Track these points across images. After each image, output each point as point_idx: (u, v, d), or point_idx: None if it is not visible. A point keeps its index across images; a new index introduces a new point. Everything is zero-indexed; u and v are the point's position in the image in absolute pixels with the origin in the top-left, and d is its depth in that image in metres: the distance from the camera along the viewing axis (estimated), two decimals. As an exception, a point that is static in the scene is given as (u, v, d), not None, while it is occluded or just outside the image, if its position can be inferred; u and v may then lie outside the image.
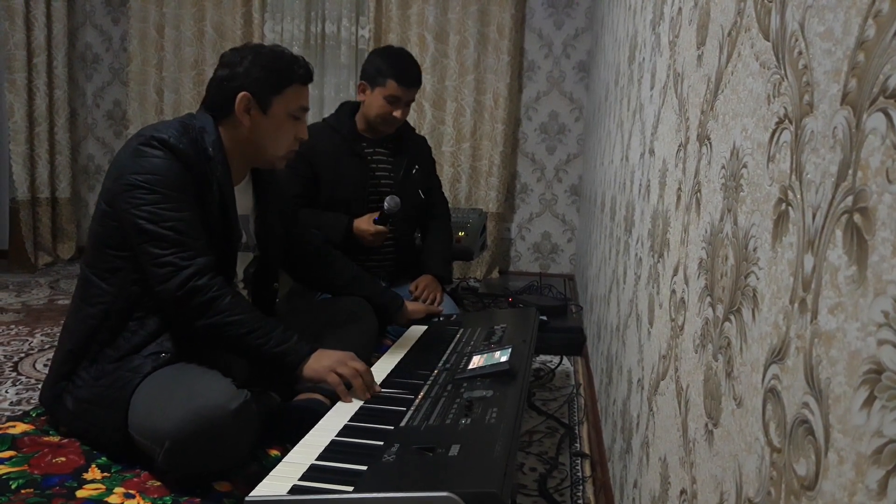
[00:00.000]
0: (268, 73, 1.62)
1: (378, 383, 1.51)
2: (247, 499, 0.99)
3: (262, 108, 1.63)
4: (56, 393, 1.56)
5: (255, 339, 1.50)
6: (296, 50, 4.33)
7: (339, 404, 1.44)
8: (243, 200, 1.74)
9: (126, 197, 1.48)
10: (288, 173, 2.34)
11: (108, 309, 1.53)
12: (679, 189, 1.05)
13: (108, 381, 1.48)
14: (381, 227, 2.31)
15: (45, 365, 2.34)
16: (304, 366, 1.52)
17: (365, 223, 2.32)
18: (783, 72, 0.61)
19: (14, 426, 1.61)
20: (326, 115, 2.67)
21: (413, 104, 4.24)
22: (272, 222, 1.82)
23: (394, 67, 2.34)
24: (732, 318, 0.71)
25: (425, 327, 2.01)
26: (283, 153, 1.70)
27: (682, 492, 0.89)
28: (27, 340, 2.71)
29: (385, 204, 2.29)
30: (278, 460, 1.13)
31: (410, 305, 2.18)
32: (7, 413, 1.97)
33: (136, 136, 1.54)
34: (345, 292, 2.05)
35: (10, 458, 1.46)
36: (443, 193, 2.76)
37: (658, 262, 1.20)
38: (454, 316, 2.17)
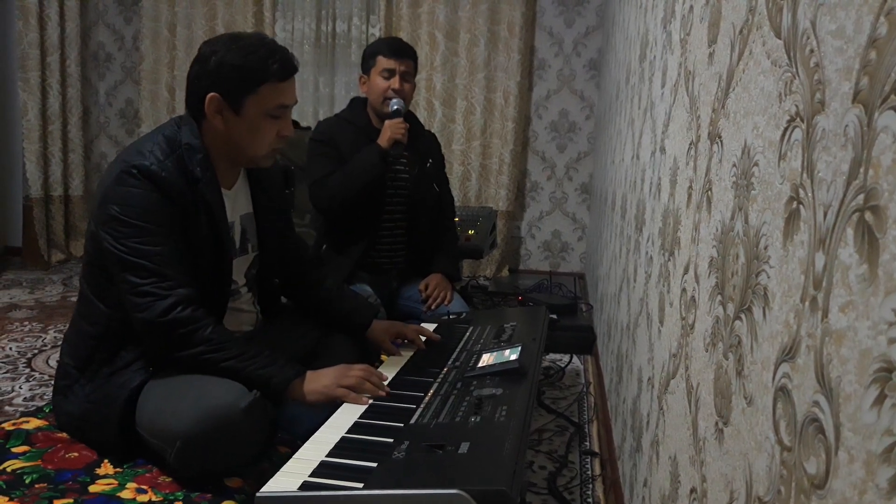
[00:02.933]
0: (238, 72, 1.48)
1: (388, 380, 1.51)
2: (258, 495, 1.00)
3: (234, 108, 1.51)
4: (54, 405, 1.59)
5: (237, 364, 1.43)
6: (306, 49, 4.34)
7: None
8: (241, 202, 1.70)
9: (107, 228, 1.44)
10: (318, 158, 2.37)
11: (106, 330, 1.51)
12: (690, 187, 1.05)
13: (99, 396, 1.48)
14: (397, 119, 2.33)
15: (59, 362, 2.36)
16: (299, 390, 1.45)
17: (386, 126, 2.33)
18: (795, 70, 0.60)
19: (28, 421, 1.63)
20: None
21: (424, 102, 4.28)
22: (269, 219, 1.79)
23: (378, 45, 2.45)
24: (743, 316, 0.71)
25: (435, 325, 2.01)
26: (266, 152, 1.59)
27: (693, 490, 0.89)
28: (40, 337, 2.73)
29: (393, 107, 2.34)
30: (288, 457, 1.14)
31: (382, 334, 1.86)
32: (21, 409, 1.99)
33: (120, 161, 1.48)
34: (335, 296, 1.98)
35: (24, 454, 1.48)
36: (450, 191, 2.77)
37: (669, 260, 1.20)
38: (464, 314, 2.17)
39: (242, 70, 1.49)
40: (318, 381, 1.46)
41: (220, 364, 1.43)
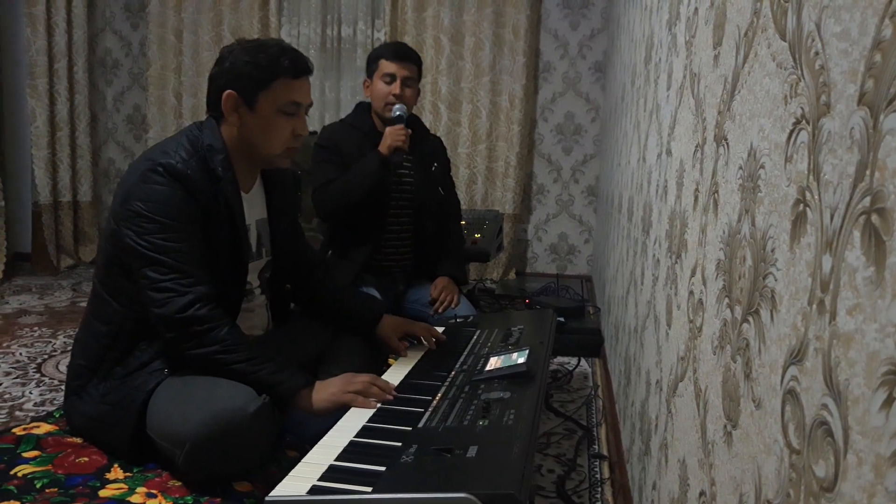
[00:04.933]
0: (251, 69, 1.54)
1: (395, 385, 1.51)
2: (267, 499, 1.00)
3: (249, 105, 1.55)
4: (66, 406, 1.59)
5: (248, 367, 1.44)
6: (311, 53, 4.35)
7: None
8: (257, 206, 1.73)
9: (129, 224, 1.47)
10: (322, 164, 2.38)
11: (119, 329, 1.53)
12: (696, 190, 1.05)
13: (114, 398, 1.49)
14: (398, 125, 2.32)
15: (70, 364, 2.38)
16: (307, 400, 1.46)
17: (386, 133, 2.32)
18: (800, 72, 0.60)
19: (38, 426, 1.64)
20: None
21: (429, 106, 4.28)
22: (282, 224, 1.81)
23: (382, 49, 2.45)
24: (751, 319, 0.71)
25: (442, 328, 2.02)
26: (280, 151, 1.61)
27: (702, 493, 0.88)
28: (50, 342, 2.74)
29: (395, 113, 2.34)
30: (297, 461, 1.14)
31: (390, 331, 1.89)
32: (31, 414, 2.00)
33: (145, 160, 1.52)
34: (343, 295, 2.01)
35: (34, 458, 1.49)
36: (456, 194, 2.77)
37: (676, 263, 1.20)
38: (471, 317, 2.17)
39: (255, 66, 1.54)
40: (325, 390, 1.47)
41: (230, 365, 1.44)
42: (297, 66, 1.57)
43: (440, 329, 1.98)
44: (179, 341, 1.45)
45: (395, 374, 1.60)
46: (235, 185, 1.59)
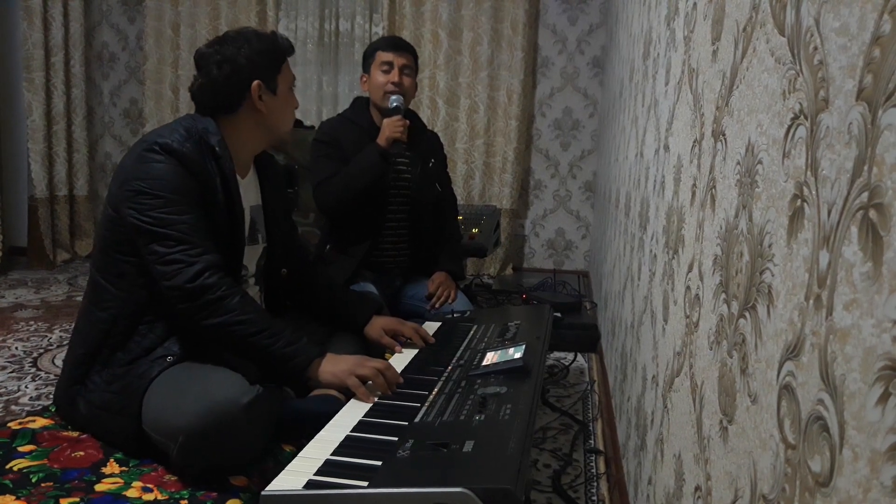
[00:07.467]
0: (264, 57, 1.65)
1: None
2: (263, 493, 1.00)
3: (271, 89, 1.66)
4: (70, 396, 1.58)
5: (263, 340, 1.47)
6: (309, 47, 4.36)
7: (354, 400, 1.44)
8: (251, 192, 1.75)
9: (131, 203, 1.48)
10: (322, 160, 2.37)
11: (118, 313, 1.53)
12: (694, 185, 1.05)
13: (119, 386, 1.49)
14: (396, 116, 2.33)
15: (68, 356, 2.37)
16: (316, 370, 1.49)
17: (384, 124, 2.33)
18: (798, 67, 0.60)
19: (34, 421, 1.63)
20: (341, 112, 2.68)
21: (427, 101, 4.28)
22: (276, 211, 1.83)
23: (376, 42, 2.48)
24: (747, 314, 0.71)
25: (439, 324, 2.01)
26: (290, 126, 1.76)
27: (697, 488, 0.89)
28: (46, 336, 2.74)
29: (393, 104, 2.35)
30: (293, 455, 1.14)
31: (378, 331, 1.89)
32: (27, 408, 2.00)
33: (141, 142, 1.54)
34: (335, 294, 2.01)
35: (30, 453, 1.49)
36: (453, 190, 2.77)
37: (673, 258, 1.20)
38: (468, 312, 2.17)
39: (266, 54, 1.66)
40: (335, 365, 1.49)
41: (247, 339, 1.46)
42: (291, 44, 1.74)
43: (437, 324, 1.98)
44: (192, 312, 1.46)
45: (391, 369, 1.60)
46: (232, 163, 1.62)
